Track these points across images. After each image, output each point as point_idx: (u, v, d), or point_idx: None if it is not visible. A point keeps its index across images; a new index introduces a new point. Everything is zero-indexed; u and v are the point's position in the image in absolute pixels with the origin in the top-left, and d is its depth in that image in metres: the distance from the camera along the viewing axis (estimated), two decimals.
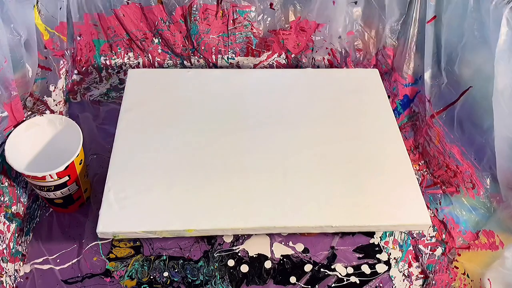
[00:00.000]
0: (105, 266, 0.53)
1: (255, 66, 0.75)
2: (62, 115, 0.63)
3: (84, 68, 0.73)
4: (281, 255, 0.55)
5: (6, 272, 0.48)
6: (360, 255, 0.56)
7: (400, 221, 0.50)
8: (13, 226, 0.51)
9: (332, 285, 0.53)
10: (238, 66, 0.76)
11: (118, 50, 0.73)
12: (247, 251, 0.55)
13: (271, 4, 0.69)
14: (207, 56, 0.74)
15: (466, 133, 0.57)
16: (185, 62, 0.75)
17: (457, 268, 0.53)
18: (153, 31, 0.71)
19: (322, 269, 0.54)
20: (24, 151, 0.52)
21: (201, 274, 0.53)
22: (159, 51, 0.73)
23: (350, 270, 0.54)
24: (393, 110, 0.62)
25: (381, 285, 0.54)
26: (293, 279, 0.53)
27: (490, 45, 0.50)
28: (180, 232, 0.48)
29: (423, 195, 0.52)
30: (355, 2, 0.67)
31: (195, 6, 0.67)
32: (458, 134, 0.58)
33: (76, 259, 0.53)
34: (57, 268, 0.52)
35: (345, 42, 0.71)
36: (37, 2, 0.55)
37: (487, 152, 0.53)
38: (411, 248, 0.57)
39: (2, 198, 0.50)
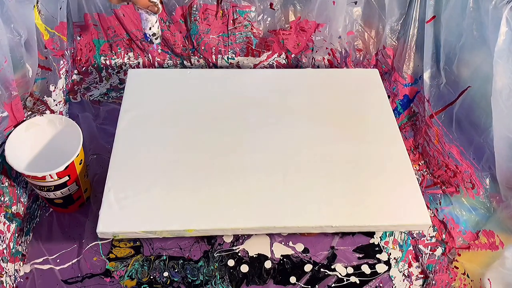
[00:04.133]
0: (105, 266, 0.53)
1: (255, 66, 0.75)
2: (62, 115, 0.63)
3: (84, 68, 0.73)
4: (281, 255, 0.55)
5: (6, 272, 0.48)
6: (360, 255, 0.56)
7: (400, 221, 0.50)
8: (13, 226, 0.51)
9: (332, 285, 0.53)
10: (238, 66, 0.76)
11: (118, 50, 0.73)
12: (247, 251, 0.55)
13: (271, 4, 0.69)
14: (207, 56, 0.74)
15: (464, 133, 0.57)
16: (185, 62, 0.75)
17: (457, 268, 0.53)
18: None
19: (322, 269, 0.54)
20: (24, 151, 0.52)
21: (201, 274, 0.53)
22: (159, 51, 0.73)
23: (350, 270, 0.54)
24: (393, 110, 0.62)
25: (381, 285, 0.54)
26: (293, 279, 0.53)
27: (488, 45, 0.50)
28: (180, 232, 0.48)
29: (423, 195, 0.52)
30: (355, 2, 0.67)
31: (195, 6, 0.67)
32: (457, 134, 0.58)
33: (76, 259, 0.53)
34: (57, 268, 0.52)
35: (345, 42, 0.71)
36: (37, 2, 0.55)
37: (486, 151, 0.53)
38: (411, 248, 0.57)
39: (2, 198, 0.50)
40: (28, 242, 0.54)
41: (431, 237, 0.57)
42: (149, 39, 0.50)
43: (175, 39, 0.71)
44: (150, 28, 0.47)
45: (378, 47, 0.71)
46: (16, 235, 0.52)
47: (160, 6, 0.46)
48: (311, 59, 0.74)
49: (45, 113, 0.59)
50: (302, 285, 0.53)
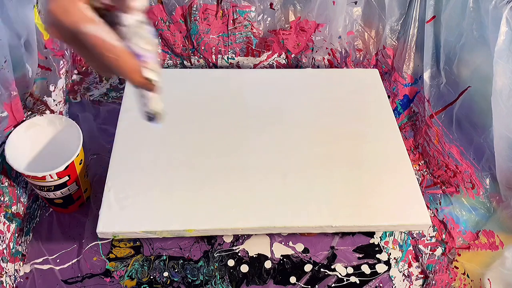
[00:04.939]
0: (105, 266, 0.53)
1: (255, 66, 0.75)
2: (62, 115, 0.63)
3: (84, 68, 0.73)
4: (281, 255, 0.55)
5: (6, 272, 0.48)
6: (360, 255, 0.56)
7: (400, 221, 0.50)
8: (13, 226, 0.51)
9: (332, 285, 0.53)
10: (238, 66, 0.76)
11: None
12: (247, 251, 0.55)
13: (271, 4, 0.69)
14: (207, 56, 0.74)
15: (464, 133, 0.57)
16: (185, 62, 0.75)
17: (457, 268, 0.53)
18: None
19: (322, 269, 0.54)
20: (24, 151, 0.52)
21: (201, 274, 0.53)
22: (159, 51, 0.73)
23: (350, 270, 0.54)
24: (393, 110, 0.62)
25: (381, 285, 0.54)
26: (293, 279, 0.53)
27: (488, 45, 0.50)
28: (180, 232, 0.48)
29: (423, 195, 0.52)
30: (355, 2, 0.67)
31: (195, 6, 0.67)
32: (457, 134, 0.58)
33: (76, 259, 0.53)
34: (57, 268, 0.52)
35: (345, 42, 0.71)
36: (37, 2, 0.55)
37: (486, 152, 0.53)
38: (411, 248, 0.57)
39: (2, 198, 0.50)
40: (28, 242, 0.54)
41: (431, 237, 0.57)
42: (147, 117, 0.37)
43: (175, 39, 0.71)
44: (145, 104, 0.35)
45: (378, 47, 0.71)
46: (16, 235, 0.52)
47: (159, 84, 0.34)
48: (311, 59, 0.74)
49: (45, 113, 0.59)
50: (302, 285, 0.53)
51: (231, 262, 0.54)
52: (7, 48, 0.48)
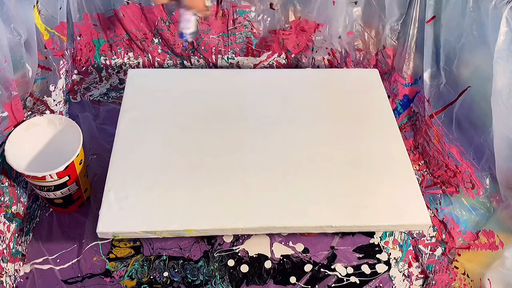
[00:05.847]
0: (105, 266, 0.53)
1: (255, 66, 0.76)
2: (62, 115, 0.63)
3: (84, 68, 0.73)
4: (281, 255, 0.55)
5: (6, 272, 0.48)
6: (360, 255, 0.56)
7: (400, 221, 0.50)
8: (13, 226, 0.51)
9: (332, 285, 0.53)
10: (238, 66, 0.76)
11: (118, 50, 0.73)
12: (247, 251, 0.55)
13: (271, 4, 0.69)
14: (207, 56, 0.74)
15: (464, 133, 0.57)
16: (185, 62, 0.75)
17: (457, 268, 0.53)
18: (153, 31, 0.71)
19: (322, 269, 0.54)
20: (24, 151, 0.52)
21: (201, 274, 0.53)
22: (159, 51, 0.73)
23: (350, 270, 0.54)
24: (393, 110, 0.62)
25: (381, 285, 0.54)
26: (293, 279, 0.53)
27: (488, 45, 0.50)
28: (180, 232, 0.48)
29: (423, 195, 0.52)
30: (355, 2, 0.67)
31: None
32: (457, 134, 0.58)
33: (76, 259, 0.53)
34: (57, 268, 0.52)
35: (345, 42, 0.71)
36: (37, 2, 0.55)
37: (486, 152, 0.53)
38: (411, 248, 0.57)
39: (2, 198, 0.50)
40: (28, 242, 0.54)
41: (431, 237, 0.57)
42: (185, 38, 0.55)
43: (175, 39, 0.71)
44: (189, 28, 0.53)
45: (378, 47, 0.71)
46: (16, 235, 0.52)
47: (211, 10, 0.50)
48: (311, 59, 0.74)
49: (45, 113, 0.59)
50: (302, 285, 0.53)
51: (231, 262, 0.54)
52: (7, 48, 0.48)
